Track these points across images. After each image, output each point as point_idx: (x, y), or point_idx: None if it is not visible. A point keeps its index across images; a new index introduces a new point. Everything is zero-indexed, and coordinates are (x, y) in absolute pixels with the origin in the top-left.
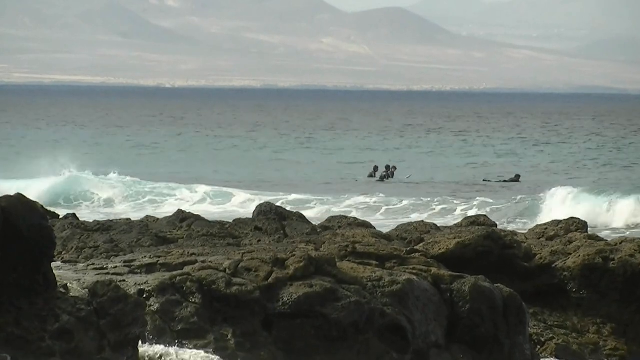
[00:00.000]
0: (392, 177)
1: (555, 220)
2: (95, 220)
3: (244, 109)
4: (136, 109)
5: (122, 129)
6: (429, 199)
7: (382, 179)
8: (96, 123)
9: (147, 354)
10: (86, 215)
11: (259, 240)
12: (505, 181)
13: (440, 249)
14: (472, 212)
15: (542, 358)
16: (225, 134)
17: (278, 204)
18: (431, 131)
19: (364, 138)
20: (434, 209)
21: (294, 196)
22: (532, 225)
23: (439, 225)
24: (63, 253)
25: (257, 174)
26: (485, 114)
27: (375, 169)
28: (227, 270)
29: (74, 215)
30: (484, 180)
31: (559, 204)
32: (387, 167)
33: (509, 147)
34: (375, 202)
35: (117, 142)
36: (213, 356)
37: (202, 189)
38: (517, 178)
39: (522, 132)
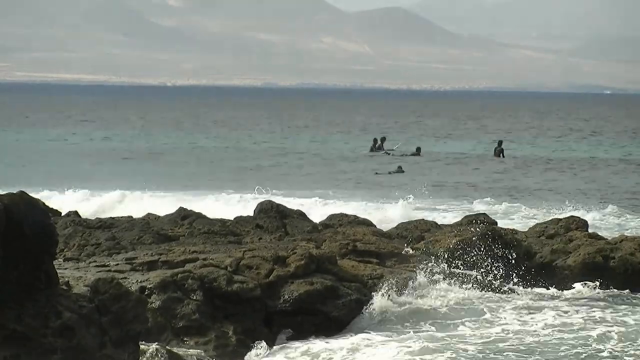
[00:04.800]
0: (382, 148)
1: (555, 219)
2: (97, 218)
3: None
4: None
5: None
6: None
7: (373, 149)
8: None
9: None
10: None
11: (260, 238)
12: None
13: (440, 247)
14: None
15: None
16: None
17: None
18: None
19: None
20: None
21: None
22: None
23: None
24: (65, 250)
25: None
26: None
27: (375, 141)
28: (229, 267)
29: (76, 212)
30: None
31: None
32: (383, 138)
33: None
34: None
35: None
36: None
37: None
38: (499, 144)
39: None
